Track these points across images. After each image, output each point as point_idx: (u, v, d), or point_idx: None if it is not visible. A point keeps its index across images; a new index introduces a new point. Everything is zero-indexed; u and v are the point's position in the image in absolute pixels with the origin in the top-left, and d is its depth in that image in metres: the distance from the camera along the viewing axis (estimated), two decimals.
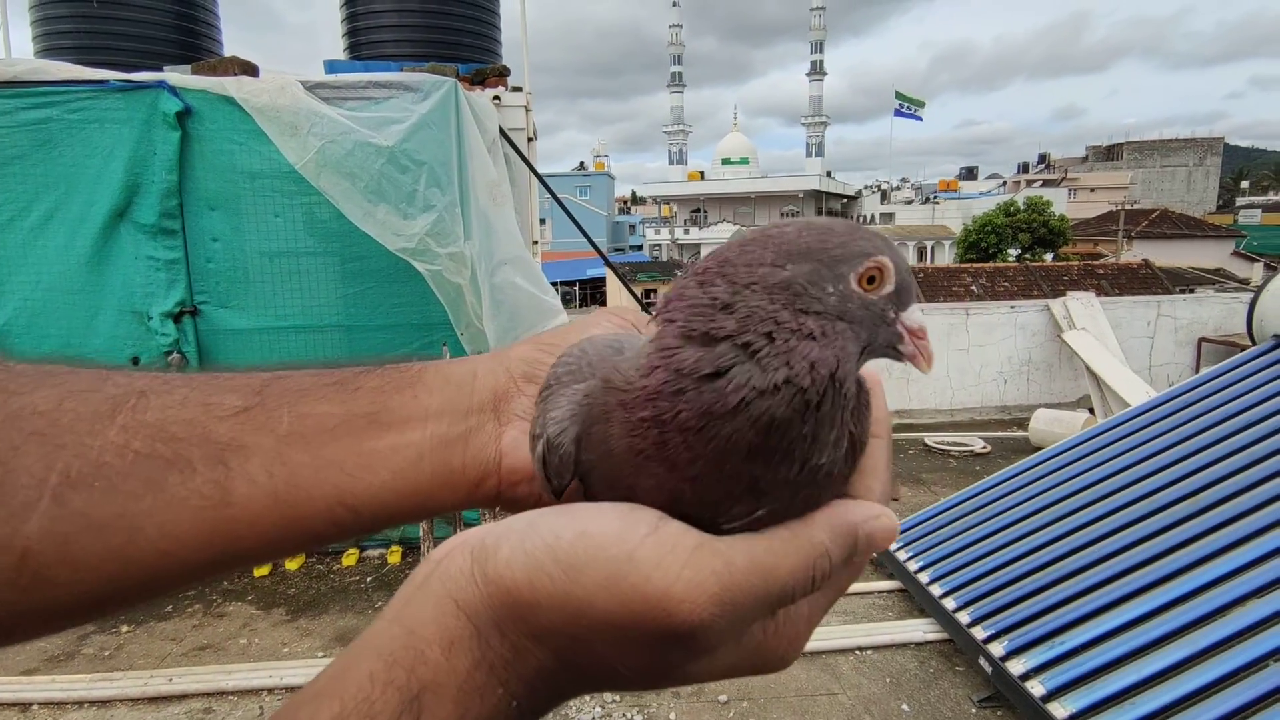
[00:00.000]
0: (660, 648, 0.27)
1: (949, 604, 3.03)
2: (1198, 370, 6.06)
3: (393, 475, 0.35)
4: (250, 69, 3.73)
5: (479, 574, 0.28)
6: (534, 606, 0.27)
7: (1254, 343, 3.77)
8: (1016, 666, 2.54)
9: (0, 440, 0.28)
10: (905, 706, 2.70)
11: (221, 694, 2.81)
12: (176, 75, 3.54)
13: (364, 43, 5.73)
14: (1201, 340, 6.80)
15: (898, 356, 0.30)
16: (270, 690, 2.84)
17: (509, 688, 0.28)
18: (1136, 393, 5.45)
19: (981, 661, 2.71)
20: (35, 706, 2.76)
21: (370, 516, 0.35)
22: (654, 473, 0.28)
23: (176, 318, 3.63)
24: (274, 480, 0.33)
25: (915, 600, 3.33)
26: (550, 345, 0.41)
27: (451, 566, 0.28)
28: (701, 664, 0.28)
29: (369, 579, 3.85)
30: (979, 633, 2.79)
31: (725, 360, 0.26)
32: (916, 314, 0.29)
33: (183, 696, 2.79)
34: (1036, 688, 2.43)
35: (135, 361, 3.64)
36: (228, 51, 6.59)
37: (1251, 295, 3.86)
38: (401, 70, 3.95)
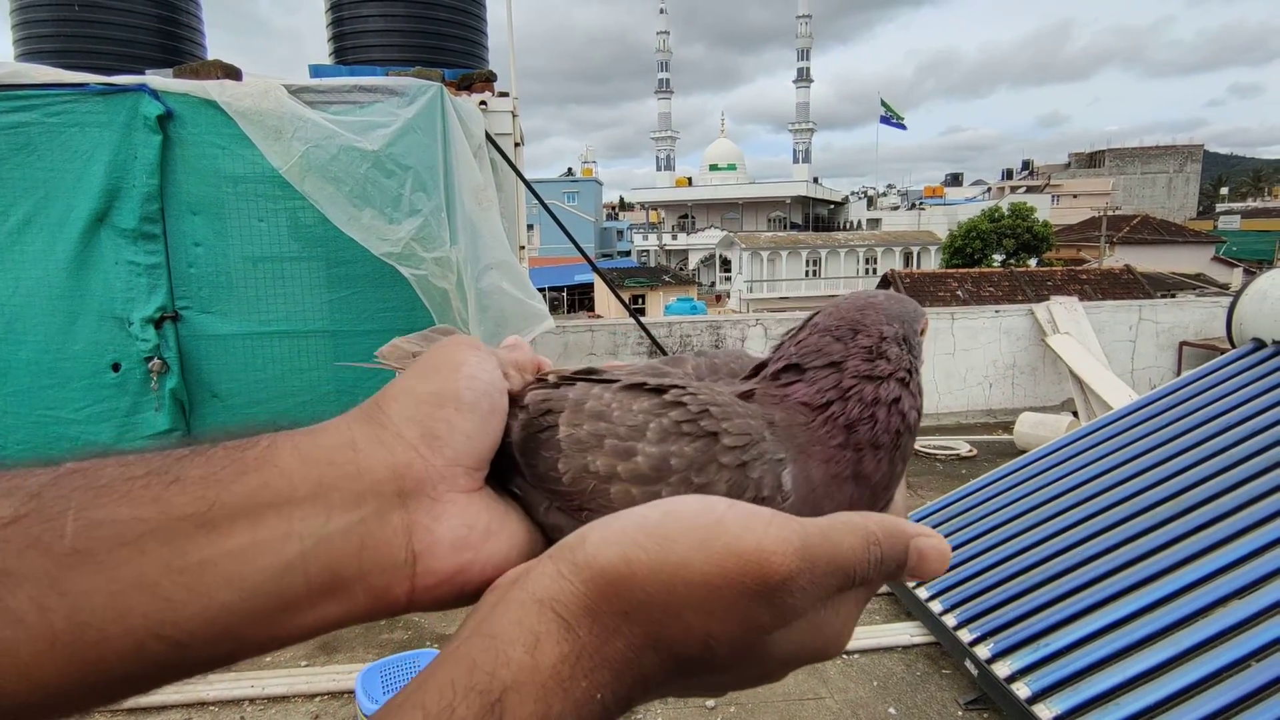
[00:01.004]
0: (753, 605, 0.27)
1: (935, 607, 3.04)
2: (1179, 373, 6.12)
3: (241, 595, 0.27)
4: (233, 72, 3.71)
5: (566, 568, 0.28)
6: (629, 579, 0.27)
7: (1233, 346, 3.82)
8: (1002, 669, 2.55)
9: None
10: (892, 710, 2.71)
11: (202, 704, 2.77)
12: (158, 79, 3.51)
13: (349, 47, 5.71)
14: (1182, 344, 6.88)
15: None
16: (252, 700, 2.80)
17: (594, 678, 0.27)
18: (1119, 396, 5.50)
19: (968, 664, 2.72)
20: None
21: (206, 648, 0.27)
22: (844, 491, 0.35)
23: (157, 323, 3.59)
24: (48, 615, 0.25)
25: (902, 603, 3.34)
26: (436, 395, 0.33)
27: (530, 578, 0.28)
28: (784, 635, 0.29)
29: None
30: (965, 635, 2.79)
31: (893, 392, 0.36)
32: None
33: (162, 708, 2.74)
34: (1022, 689, 2.44)
35: (116, 368, 3.60)
36: (212, 55, 6.55)
37: (1230, 299, 3.91)
38: (387, 75, 3.93)
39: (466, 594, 0.33)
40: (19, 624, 0.24)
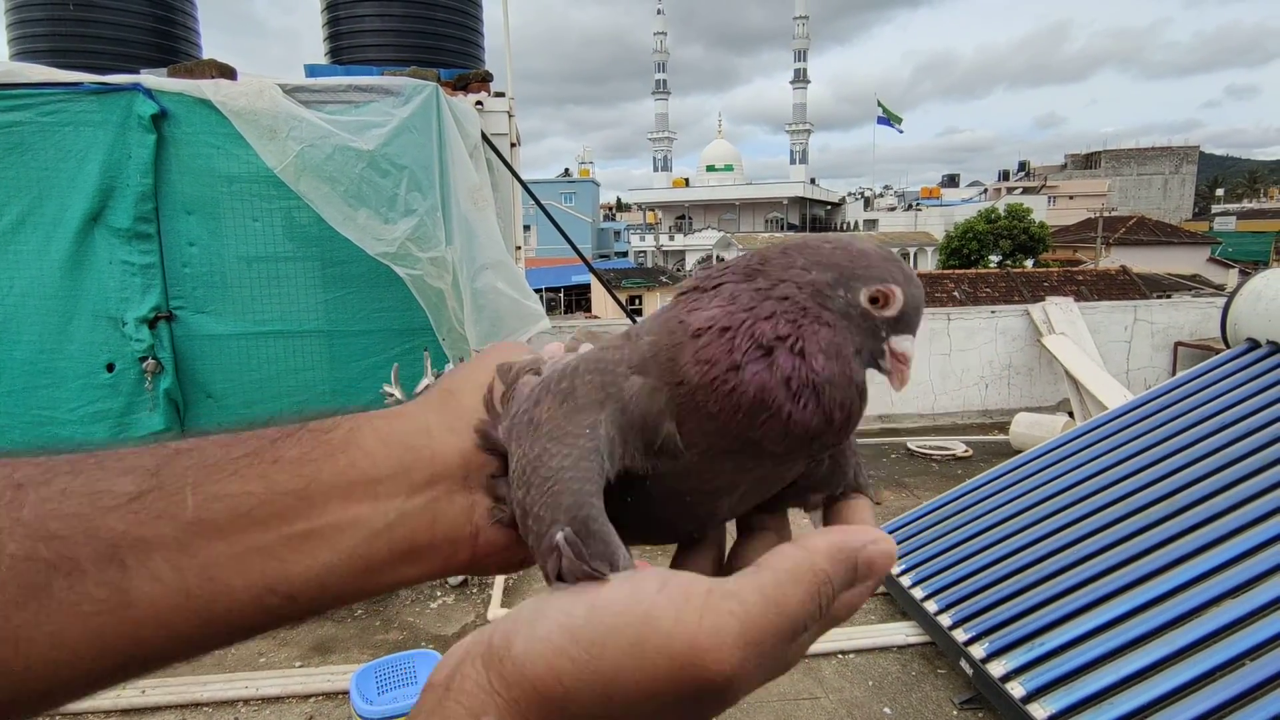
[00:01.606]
0: (696, 703, 0.26)
1: (930, 607, 3.04)
2: (1174, 374, 6.14)
3: (339, 557, 0.32)
4: (228, 72, 3.70)
5: (496, 681, 0.27)
6: (562, 696, 0.26)
7: (1228, 346, 3.83)
8: (997, 668, 2.55)
9: None
10: (887, 710, 2.71)
11: (196, 705, 2.76)
12: (152, 78, 3.51)
13: (345, 47, 5.71)
14: (1177, 344, 6.89)
15: (878, 368, 0.33)
16: (246, 701, 2.80)
17: None
18: (1114, 396, 5.51)
19: (963, 664, 2.72)
20: None
21: (311, 601, 0.32)
22: (729, 466, 0.31)
23: (152, 323, 3.58)
24: (183, 575, 0.29)
25: (898, 603, 3.34)
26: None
27: (465, 684, 0.27)
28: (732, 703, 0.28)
29: None
30: (960, 635, 2.80)
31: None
32: (907, 343, 0.32)
33: (156, 709, 2.73)
34: (1016, 689, 2.44)
35: (110, 368, 3.59)
36: (207, 55, 6.54)
37: (1225, 300, 3.92)
38: (382, 74, 3.93)
39: (514, 562, 0.37)
40: (158, 581, 0.28)
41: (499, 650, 0.27)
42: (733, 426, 0.30)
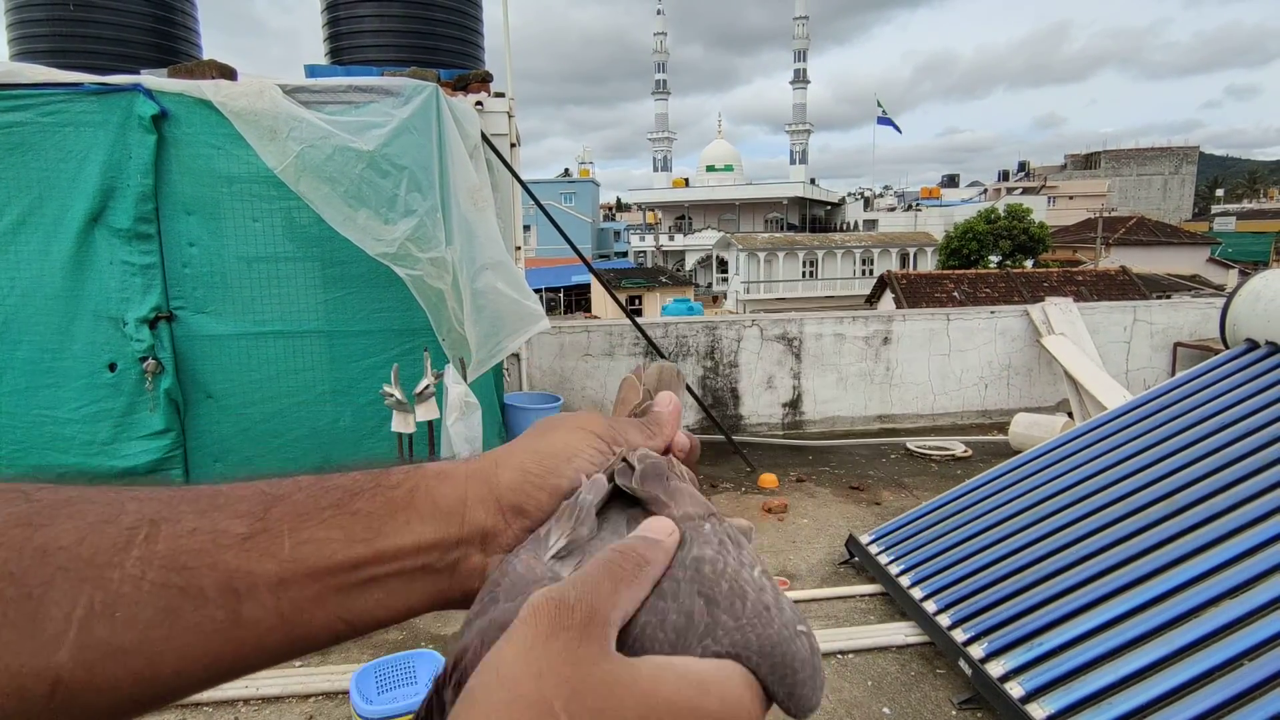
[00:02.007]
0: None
1: (930, 607, 3.04)
2: (1173, 374, 6.14)
3: (385, 594, 0.39)
4: (228, 72, 3.70)
5: None
6: None
7: (1227, 346, 3.83)
8: (996, 668, 2.56)
9: (31, 576, 0.31)
10: (886, 709, 2.71)
11: (196, 705, 2.77)
12: (152, 78, 3.51)
13: (345, 47, 5.71)
14: (1177, 345, 6.90)
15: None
16: (246, 701, 2.80)
17: None
18: (1113, 396, 5.51)
19: (962, 664, 2.73)
20: None
21: (363, 627, 0.39)
22: None
23: (152, 323, 3.59)
24: (280, 603, 0.35)
25: (896, 604, 3.34)
26: (539, 478, 0.43)
27: None
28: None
29: None
30: (959, 635, 2.80)
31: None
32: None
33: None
34: (1015, 689, 2.44)
35: (112, 368, 3.59)
36: (207, 55, 6.54)
37: (1224, 301, 3.93)
38: (382, 75, 3.94)
39: None
40: (261, 608, 0.35)
41: None
42: None
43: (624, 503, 0.41)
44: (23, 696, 0.30)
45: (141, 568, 0.32)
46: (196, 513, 0.36)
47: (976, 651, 2.67)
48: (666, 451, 0.47)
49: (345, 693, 2.77)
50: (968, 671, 2.69)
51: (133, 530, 0.33)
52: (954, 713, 2.67)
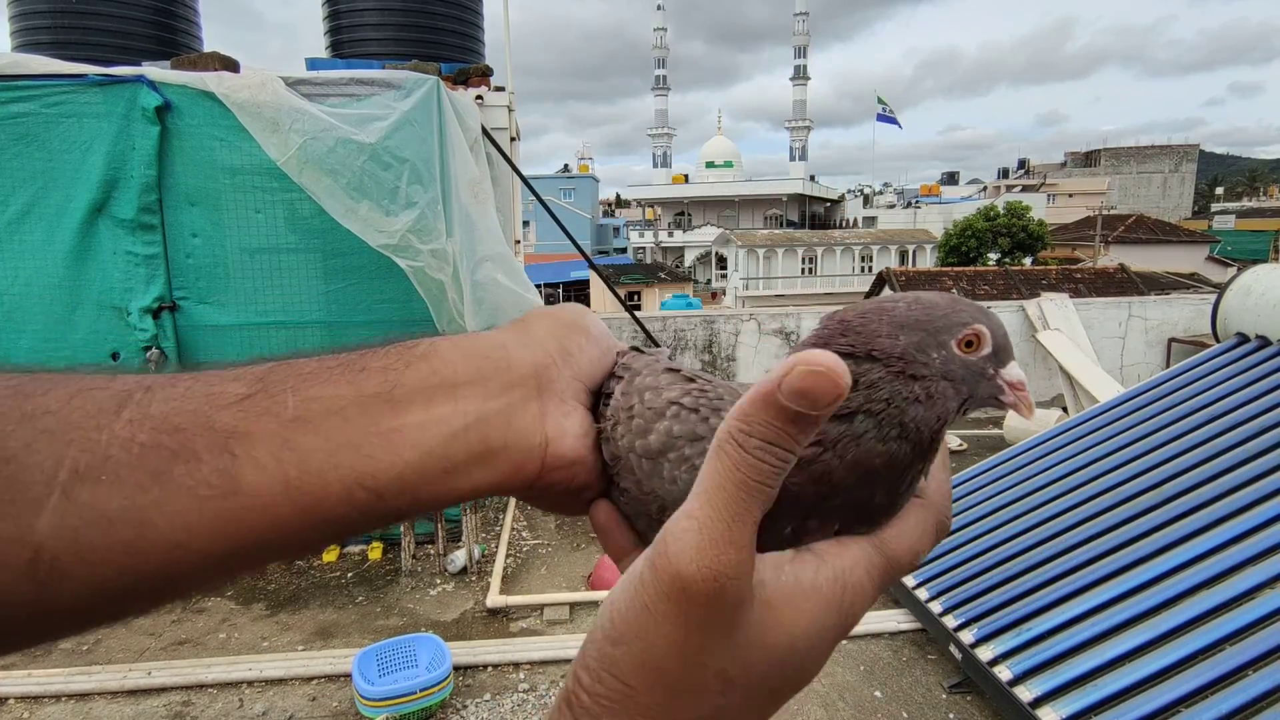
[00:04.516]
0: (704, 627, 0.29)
1: (922, 594, 3.09)
2: (1167, 369, 6.19)
3: (420, 455, 0.34)
4: (231, 65, 3.73)
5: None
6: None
7: (1218, 341, 3.88)
8: (985, 653, 2.61)
9: (15, 439, 0.28)
10: (878, 694, 2.76)
11: (201, 687, 2.81)
12: (156, 70, 3.54)
13: (346, 40, 5.74)
14: (1171, 340, 6.95)
15: (999, 405, 0.34)
16: (250, 683, 2.85)
17: None
18: (1108, 391, 5.56)
19: (952, 649, 2.78)
20: (11, 700, 2.75)
21: (394, 498, 0.34)
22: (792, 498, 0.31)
23: (155, 313, 3.62)
24: (283, 465, 0.32)
25: (890, 592, 3.39)
26: (570, 324, 0.41)
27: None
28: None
29: (349, 574, 3.85)
30: (950, 621, 2.85)
31: (860, 427, 0.31)
32: (1015, 370, 0.33)
33: (161, 689, 2.79)
34: (1004, 673, 2.49)
35: (115, 357, 3.63)
36: (208, 48, 6.56)
37: (1216, 296, 3.97)
38: (384, 68, 3.97)
39: (577, 486, 0.39)
40: (262, 470, 0.31)
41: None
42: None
43: None
44: (2, 566, 0.27)
45: (131, 429, 0.30)
46: (194, 378, 0.33)
47: (967, 637, 2.72)
48: None
49: (347, 675, 2.82)
50: (958, 656, 2.74)
51: (124, 394, 0.31)
52: (944, 696, 2.72)
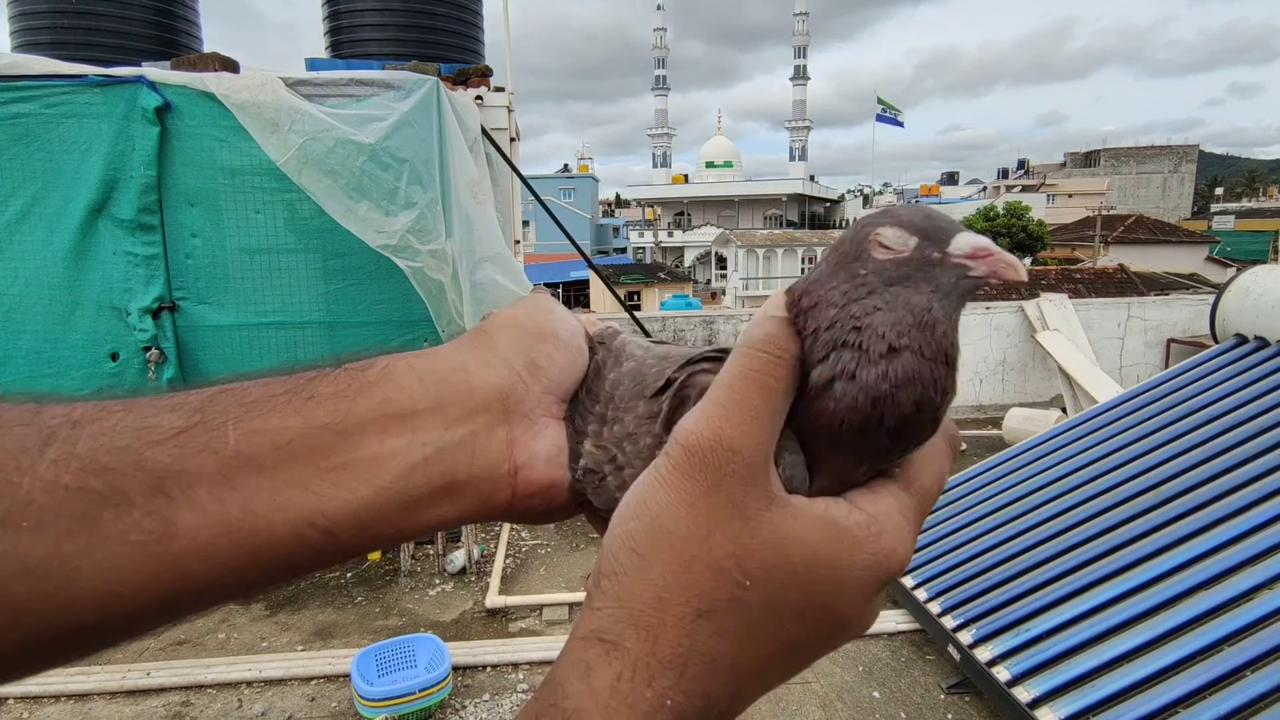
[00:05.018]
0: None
1: (920, 595, 3.09)
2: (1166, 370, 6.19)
3: (375, 491, 0.32)
4: (230, 65, 3.73)
5: (598, 600, 0.28)
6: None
7: (1216, 342, 3.88)
8: (984, 653, 2.61)
9: None
10: (876, 694, 2.76)
11: (200, 687, 2.82)
12: (156, 70, 3.54)
13: (346, 41, 5.74)
14: (1170, 341, 6.95)
15: (978, 284, 0.30)
16: (249, 683, 2.85)
17: (657, 685, 0.27)
18: (1106, 392, 5.56)
19: (950, 649, 2.78)
20: (11, 700, 2.75)
21: (348, 538, 0.32)
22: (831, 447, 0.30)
23: (155, 313, 3.62)
24: (225, 506, 0.29)
25: (889, 592, 3.39)
26: (536, 328, 0.38)
27: (579, 619, 0.29)
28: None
29: (349, 574, 3.85)
30: (948, 622, 2.85)
31: (845, 356, 0.29)
32: (964, 240, 0.29)
33: (160, 690, 2.79)
34: (1002, 673, 2.50)
35: (114, 358, 3.63)
36: (207, 48, 6.56)
37: (1214, 297, 3.97)
38: (383, 69, 3.97)
39: (555, 508, 0.37)
40: (201, 512, 0.29)
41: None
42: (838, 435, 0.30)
43: None
44: None
45: (55, 471, 0.27)
46: (126, 410, 0.30)
47: (965, 637, 2.73)
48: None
49: (346, 675, 2.82)
50: (956, 657, 2.74)
51: (50, 432, 0.28)
52: (942, 696, 2.72)
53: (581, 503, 0.37)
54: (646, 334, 5.77)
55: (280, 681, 2.86)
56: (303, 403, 0.32)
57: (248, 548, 0.30)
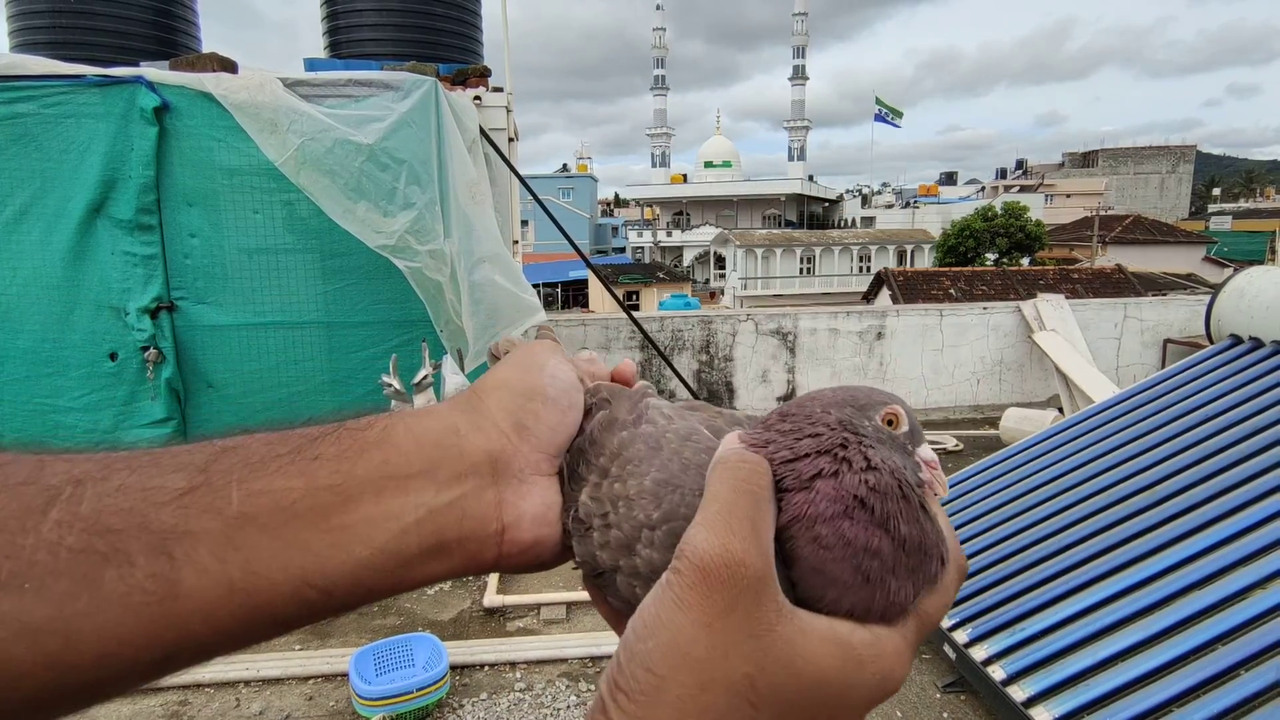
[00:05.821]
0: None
1: None
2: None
3: (372, 552, 0.33)
4: (229, 65, 3.74)
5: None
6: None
7: (1211, 342, 3.90)
8: (979, 653, 2.62)
9: None
10: None
11: (198, 686, 2.82)
12: (154, 71, 3.54)
13: (344, 41, 5.74)
14: (1167, 341, 6.97)
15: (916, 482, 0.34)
16: (247, 683, 2.86)
17: None
18: (1103, 392, 5.58)
19: (946, 649, 2.79)
20: None
21: (344, 596, 0.33)
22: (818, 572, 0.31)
23: (153, 313, 3.63)
24: (227, 567, 0.30)
25: None
26: (528, 389, 0.39)
27: None
28: None
29: None
30: (944, 620, 2.86)
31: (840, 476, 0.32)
32: (927, 450, 0.35)
33: (158, 689, 2.79)
34: (998, 672, 2.51)
35: (113, 357, 3.64)
36: (206, 48, 6.57)
37: (1210, 297, 3.99)
38: (382, 69, 3.97)
39: (541, 561, 0.39)
40: (204, 573, 0.29)
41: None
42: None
43: None
44: None
45: (59, 532, 0.28)
46: (130, 469, 0.30)
47: (961, 637, 2.74)
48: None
49: (344, 675, 2.83)
50: (952, 656, 2.75)
51: (53, 491, 0.28)
52: (938, 696, 2.73)
53: (568, 548, 0.39)
54: (646, 335, 5.77)
55: (278, 680, 2.87)
56: (306, 463, 0.33)
57: (248, 606, 0.30)
